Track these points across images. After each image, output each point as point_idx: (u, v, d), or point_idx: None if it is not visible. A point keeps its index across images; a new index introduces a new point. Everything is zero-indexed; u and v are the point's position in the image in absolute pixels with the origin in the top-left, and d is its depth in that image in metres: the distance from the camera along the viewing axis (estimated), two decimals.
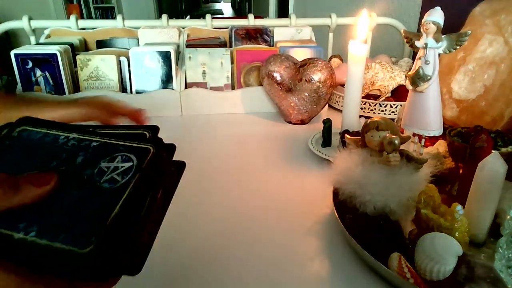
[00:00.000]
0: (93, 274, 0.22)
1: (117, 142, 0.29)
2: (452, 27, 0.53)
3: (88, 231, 0.22)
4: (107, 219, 0.23)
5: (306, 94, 0.75)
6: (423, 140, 0.51)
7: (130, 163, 0.27)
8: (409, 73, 0.49)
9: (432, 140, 0.58)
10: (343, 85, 0.87)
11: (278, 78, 0.77)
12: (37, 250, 0.22)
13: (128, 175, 0.26)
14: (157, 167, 0.27)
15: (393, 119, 0.74)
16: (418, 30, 0.53)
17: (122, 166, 0.28)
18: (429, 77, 0.47)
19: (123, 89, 0.84)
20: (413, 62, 0.80)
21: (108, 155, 0.29)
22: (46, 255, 0.22)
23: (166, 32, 0.94)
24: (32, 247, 0.22)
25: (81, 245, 0.22)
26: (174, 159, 0.36)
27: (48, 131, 0.30)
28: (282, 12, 4.17)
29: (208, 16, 1.03)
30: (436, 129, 0.50)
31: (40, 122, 0.31)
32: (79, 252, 0.22)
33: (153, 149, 0.27)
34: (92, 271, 0.22)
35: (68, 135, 0.30)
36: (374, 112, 0.81)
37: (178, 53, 0.90)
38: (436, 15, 0.45)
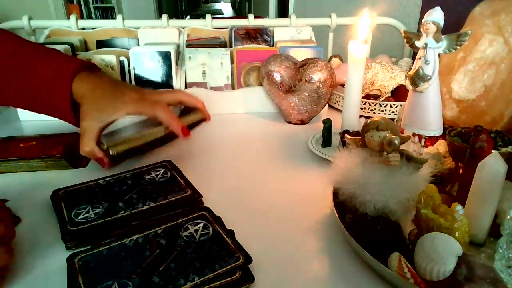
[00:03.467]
0: None
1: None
2: (452, 27, 0.53)
3: None
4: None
5: (306, 94, 0.75)
6: (423, 140, 0.51)
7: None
8: (409, 73, 0.49)
9: (432, 140, 0.58)
10: (343, 85, 0.87)
11: (278, 78, 0.77)
12: None
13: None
14: None
15: (393, 119, 0.74)
16: (418, 30, 0.53)
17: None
18: (429, 77, 0.47)
19: None
20: (413, 62, 0.80)
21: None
22: None
23: (166, 32, 0.94)
24: None
25: None
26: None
27: (107, 246, 0.41)
28: (282, 12, 4.17)
29: (208, 16, 1.03)
30: (436, 129, 0.50)
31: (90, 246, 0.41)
32: None
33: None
34: None
35: (131, 238, 0.42)
36: (374, 112, 0.81)
37: (178, 53, 0.90)
38: (436, 15, 0.45)
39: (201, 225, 0.43)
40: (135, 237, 0.41)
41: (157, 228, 0.42)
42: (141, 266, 0.37)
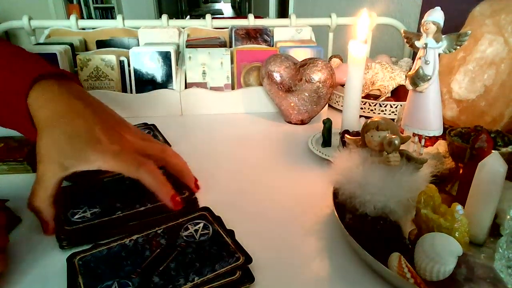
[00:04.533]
0: None
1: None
2: (452, 27, 0.53)
3: None
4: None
5: (306, 94, 0.75)
6: (423, 140, 0.51)
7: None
8: (409, 73, 0.49)
9: (432, 140, 0.58)
10: (343, 85, 0.87)
11: (278, 78, 0.77)
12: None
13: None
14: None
15: (393, 119, 0.74)
16: (418, 30, 0.53)
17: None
18: (429, 77, 0.47)
19: (123, 89, 0.84)
20: (413, 62, 0.80)
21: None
22: None
23: (166, 32, 0.94)
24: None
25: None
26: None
27: (107, 246, 0.40)
28: (282, 12, 4.17)
29: (208, 16, 1.03)
30: (436, 129, 0.50)
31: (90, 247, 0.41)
32: None
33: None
34: None
35: (131, 238, 0.41)
36: (374, 112, 0.81)
37: (178, 53, 0.90)
38: (436, 15, 0.45)
39: (201, 225, 0.43)
40: (135, 237, 0.41)
41: (157, 228, 0.42)
42: (141, 266, 0.37)
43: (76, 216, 0.44)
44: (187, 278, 0.35)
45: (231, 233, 0.42)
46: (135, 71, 0.83)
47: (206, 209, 0.46)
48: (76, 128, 0.41)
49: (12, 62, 0.45)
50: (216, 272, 0.36)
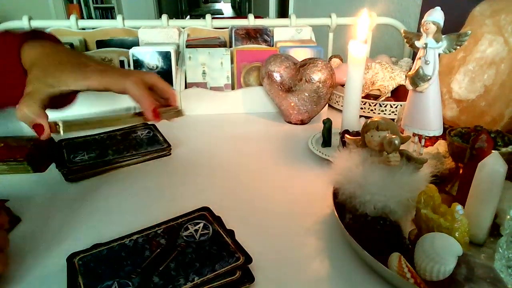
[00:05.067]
0: None
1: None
2: (452, 27, 0.53)
3: None
4: None
5: (306, 94, 0.75)
6: (423, 140, 0.51)
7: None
8: (409, 73, 0.49)
9: (432, 140, 0.58)
10: (343, 85, 0.87)
11: (278, 78, 0.77)
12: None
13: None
14: None
15: (393, 119, 0.74)
16: (418, 30, 0.53)
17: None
18: (429, 77, 0.47)
19: None
20: (413, 62, 0.80)
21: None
22: None
23: (166, 32, 0.94)
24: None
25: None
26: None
27: (107, 246, 0.40)
28: (282, 12, 4.17)
29: (208, 16, 1.03)
30: (436, 129, 0.50)
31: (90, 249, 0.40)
32: None
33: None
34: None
35: (131, 238, 0.41)
36: (374, 112, 0.81)
37: (178, 53, 0.90)
38: (436, 15, 0.45)
39: (201, 225, 0.43)
40: (135, 237, 0.41)
41: (157, 228, 0.42)
42: (141, 266, 0.37)
43: (77, 158, 0.59)
44: (187, 278, 0.35)
45: (231, 233, 0.42)
46: None
47: (206, 209, 0.46)
48: (64, 57, 0.46)
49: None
50: (216, 272, 0.36)
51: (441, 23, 0.46)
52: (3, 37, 0.48)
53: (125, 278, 0.35)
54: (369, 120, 0.43)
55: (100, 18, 5.29)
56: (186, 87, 0.85)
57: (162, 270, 0.36)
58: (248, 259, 0.38)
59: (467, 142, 0.47)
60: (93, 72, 0.45)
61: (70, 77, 0.44)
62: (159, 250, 0.39)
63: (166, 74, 0.84)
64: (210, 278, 0.35)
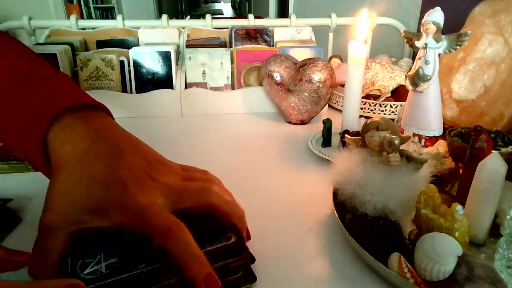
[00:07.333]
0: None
1: None
2: (452, 27, 0.53)
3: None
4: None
5: (306, 94, 0.75)
6: (423, 140, 0.51)
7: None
8: (409, 73, 0.49)
9: (432, 140, 0.58)
10: (343, 85, 0.87)
11: (278, 78, 0.77)
12: None
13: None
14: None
15: (393, 119, 0.74)
16: (418, 30, 0.53)
17: None
18: (429, 77, 0.47)
19: (123, 89, 0.84)
20: (413, 62, 0.80)
21: None
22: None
23: (166, 32, 0.94)
24: None
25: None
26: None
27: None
28: (282, 12, 4.17)
29: (208, 16, 1.03)
30: (436, 129, 0.50)
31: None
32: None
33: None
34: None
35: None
36: (374, 112, 0.81)
37: (178, 53, 0.90)
38: (436, 15, 0.45)
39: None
40: None
41: None
42: (130, 238, 0.33)
43: (87, 270, 0.32)
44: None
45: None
46: (135, 71, 0.83)
47: None
48: (96, 171, 0.33)
49: (28, 86, 0.37)
50: (204, 250, 0.32)
51: (441, 23, 0.46)
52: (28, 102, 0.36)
53: (112, 249, 0.32)
54: (369, 120, 0.43)
55: (100, 18, 5.29)
56: (186, 87, 0.85)
57: (147, 243, 0.33)
58: (252, 259, 0.38)
59: (467, 142, 0.47)
60: (128, 208, 0.32)
61: (99, 212, 0.32)
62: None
63: (166, 74, 0.84)
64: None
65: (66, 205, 0.32)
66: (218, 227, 0.36)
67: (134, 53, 0.82)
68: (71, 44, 0.87)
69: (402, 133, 0.50)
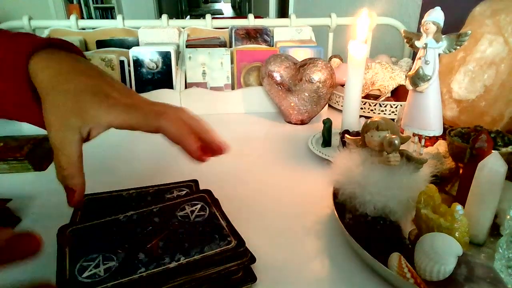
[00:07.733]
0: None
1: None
2: (452, 27, 0.53)
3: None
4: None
5: (306, 94, 0.75)
6: (423, 140, 0.51)
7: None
8: (409, 73, 0.49)
9: (432, 140, 0.58)
10: (343, 85, 0.87)
11: (278, 78, 0.77)
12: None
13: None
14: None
15: (393, 119, 0.74)
16: (418, 30, 0.53)
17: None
18: (429, 77, 0.47)
19: None
20: (413, 62, 0.80)
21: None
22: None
23: (166, 32, 0.94)
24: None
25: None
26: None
27: (101, 220, 0.38)
28: (282, 12, 4.17)
29: (208, 16, 1.03)
30: (436, 129, 0.50)
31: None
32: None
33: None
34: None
35: (125, 214, 0.39)
36: (374, 112, 0.81)
37: (178, 53, 0.90)
38: (436, 15, 0.45)
39: (198, 206, 0.42)
40: (130, 213, 0.40)
41: (153, 206, 0.41)
42: (129, 242, 0.36)
43: (86, 274, 0.32)
44: (172, 258, 0.34)
45: (227, 218, 0.40)
46: (135, 71, 0.83)
47: (207, 191, 0.45)
48: (81, 84, 0.36)
49: (5, 36, 0.39)
50: (204, 254, 0.34)
51: (441, 23, 0.46)
52: (10, 39, 0.39)
53: (111, 252, 0.34)
54: (369, 120, 0.43)
55: (100, 18, 5.29)
56: (186, 87, 0.85)
57: (150, 247, 0.35)
58: (252, 259, 0.37)
59: (467, 142, 0.47)
60: (116, 106, 0.35)
61: (90, 115, 0.35)
62: (150, 227, 0.38)
63: (166, 74, 0.84)
64: (197, 260, 0.34)
65: (62, 118, 0.35)
66: (218, 232, 0.38)
67: (134, 53, 0.82)
68: None
69: (402, 133, 0.50)
